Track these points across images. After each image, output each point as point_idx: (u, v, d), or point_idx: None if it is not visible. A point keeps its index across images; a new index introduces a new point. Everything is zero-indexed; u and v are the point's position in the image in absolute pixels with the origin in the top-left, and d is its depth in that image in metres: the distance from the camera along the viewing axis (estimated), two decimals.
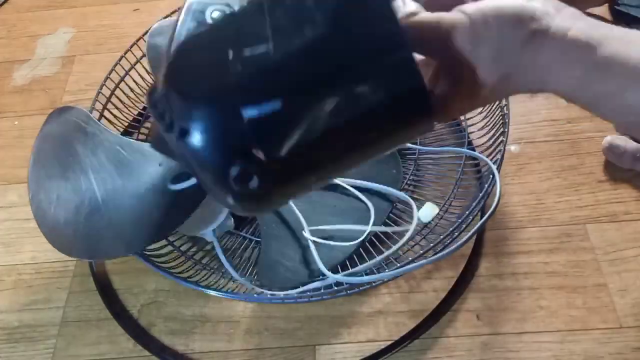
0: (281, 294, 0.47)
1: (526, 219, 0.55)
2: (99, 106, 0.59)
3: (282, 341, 0.50)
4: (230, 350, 0.50)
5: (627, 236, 0.53)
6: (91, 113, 0.59)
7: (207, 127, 0.26)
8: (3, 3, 0.87)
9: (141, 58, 0.64)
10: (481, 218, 0.45)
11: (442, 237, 0.48)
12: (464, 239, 0.43)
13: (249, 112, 0.25)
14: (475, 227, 0.44)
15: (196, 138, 0.26)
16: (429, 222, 0.52)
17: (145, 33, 0.63)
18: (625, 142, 0.56)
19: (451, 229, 0.48)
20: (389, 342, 0.48)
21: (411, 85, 0.26)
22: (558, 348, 0.47)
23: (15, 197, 0.63)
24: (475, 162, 0.58)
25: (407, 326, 0.49)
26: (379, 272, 0.45)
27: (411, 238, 0.48)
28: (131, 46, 0.63)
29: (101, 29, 0.81)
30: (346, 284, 0.46)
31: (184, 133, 0.26)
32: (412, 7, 0.31)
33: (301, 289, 0.47)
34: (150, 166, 0.46)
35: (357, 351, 0.49)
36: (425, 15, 0.30)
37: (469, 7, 0.29)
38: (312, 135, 0.26)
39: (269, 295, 0.48)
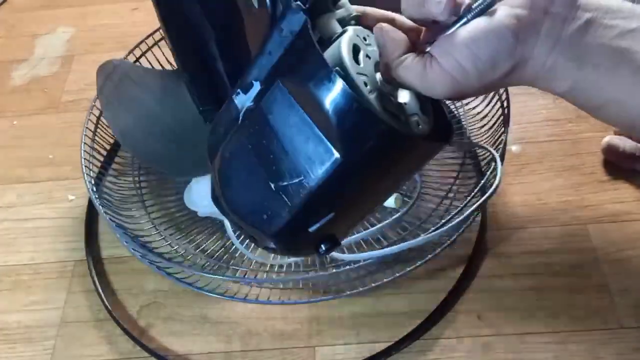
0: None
1: (527, 219, 0.55)
2: (99, 105, 0.59)
3: (281, 342, 0.50)
4: (229, 351, 0.49)
5: (629, 236, 0.53)
6: (91, 111, 0.59)
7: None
8: (2, 3, 0.87)
9: (140, 57, 0.64)
10: (482, 213, 0.45)
11: (447, 218, 0.49)
12: (468, 211, 0.43)
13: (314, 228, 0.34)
14: (481, 200, 0.44)
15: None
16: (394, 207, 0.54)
17: (148, 35, 0.63)
18: (623, 142, 0.56)
19: (455, 212, 0.49)
20: (390, 343, 0.48)
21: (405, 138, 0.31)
22: (559, 349, 0.47)
23: (14, 197, 0.63)
24: (476, 161, 0.58)
25: (407, 327, 0.49)
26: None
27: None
28: (134, 48, 0.63)
29: (100, 29, 0.81)
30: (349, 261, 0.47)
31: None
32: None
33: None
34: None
35: (357, 352, 0.48)
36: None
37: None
38: (357, 212, 0.37)
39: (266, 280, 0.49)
